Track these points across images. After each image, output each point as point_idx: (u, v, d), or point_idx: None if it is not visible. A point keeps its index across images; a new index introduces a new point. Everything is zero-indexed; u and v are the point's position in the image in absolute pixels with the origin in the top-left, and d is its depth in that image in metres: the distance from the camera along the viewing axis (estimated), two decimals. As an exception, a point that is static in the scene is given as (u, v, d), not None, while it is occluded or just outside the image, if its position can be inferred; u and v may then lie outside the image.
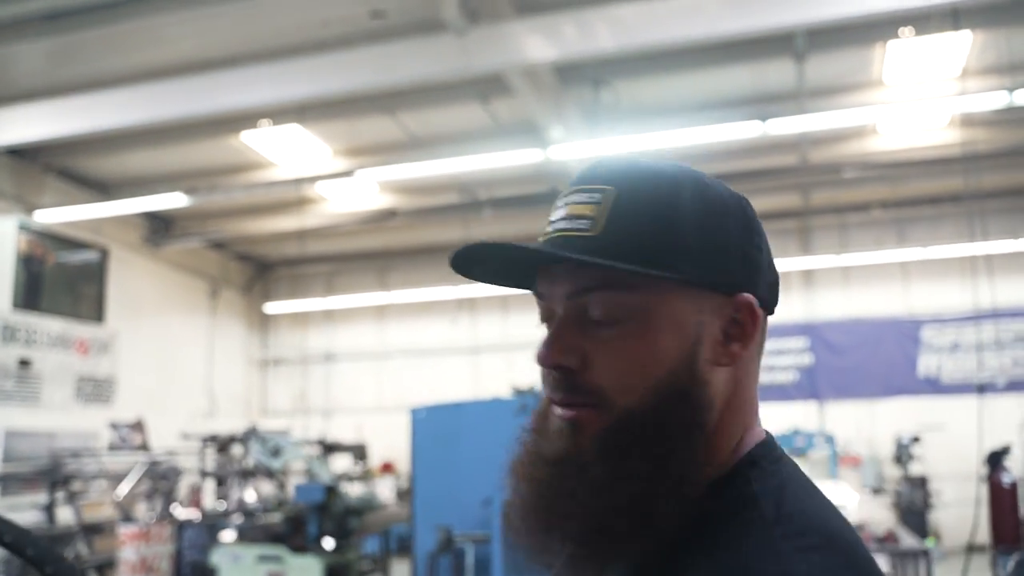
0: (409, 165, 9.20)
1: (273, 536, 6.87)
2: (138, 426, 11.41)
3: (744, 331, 0.81)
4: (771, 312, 0.86)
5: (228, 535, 7.38)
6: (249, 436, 8.31)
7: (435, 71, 6.54)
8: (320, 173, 10.33)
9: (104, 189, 11.13)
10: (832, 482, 9.56)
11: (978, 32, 7.82)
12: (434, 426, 6.22)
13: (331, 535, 6.60)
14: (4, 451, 9.62)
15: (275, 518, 8.03)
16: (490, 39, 6.24)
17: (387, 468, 13.23)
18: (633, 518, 0.75)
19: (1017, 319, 11.37)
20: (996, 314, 11.40)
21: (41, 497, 9.18)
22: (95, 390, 10.96)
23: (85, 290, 11.23)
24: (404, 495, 12.17)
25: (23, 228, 10.18)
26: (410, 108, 8.95)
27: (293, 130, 9.61)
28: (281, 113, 9.15)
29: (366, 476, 11.19)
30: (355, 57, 6.89)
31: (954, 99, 8.39)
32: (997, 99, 7.96)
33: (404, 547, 9.45)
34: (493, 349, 13.66)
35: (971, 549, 6.41)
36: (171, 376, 12.65)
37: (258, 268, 15.05)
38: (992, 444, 11.38)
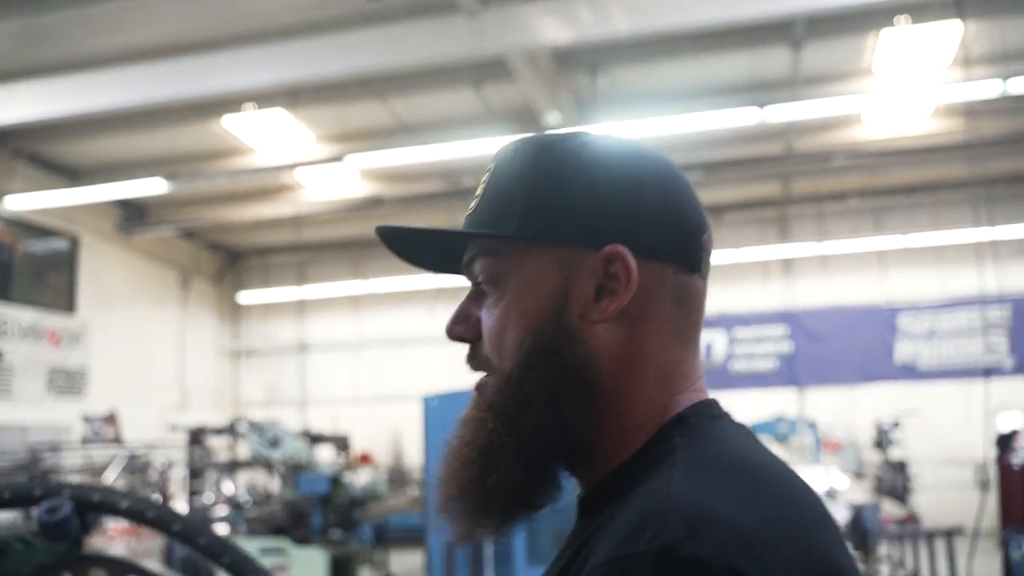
0: (399, 151, 9.05)
1: (274, 528, 6.70)
2: (111, 419, 11.10)
3: (619, 284, 0.78)
4: (694, 269, 0.83)
5: (221, 528, 7.19)
6: (235, 426, 8.10)
7: (445, 53, 6.41)
8: (304, 159, 10.11)
9: (75, 175, 10.75)
10: (817, 467, 9.63)
11: (971, 21, 7.90)
12: (446, 414, 6.09)
13: (335, 526, 6.45)
14: (-24, 446, 9.29)
15: (264, 510, 7.86)
16: (503, 21, 6.13)
17: (365, 459, 13.05)
18: (510, 477, 0.77)
19: (991, 306, 11.59)
20: (974, 301, 11.62)
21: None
22: (67, 382, 10.64)
23: (55, 279, 10.88)
24: (395, 484, 12.06)
25: (-7, 215, 9.82)
26: (401, 93, 8.79)
27: (277, 115, 9.37)
28: (267, 97, 8.91)
29: (349, 467, 11.02)
30: (360, 39, 6.72)
31: (945, 88, 8.50)
32: (990, 88, 8.09)
33: (394, 537, 9.34)
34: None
35: (977, 534, 6.49)
36: (143, 368, 12.32)
37: (229, 257, 14.72)
38: (972, 429, 11.63)
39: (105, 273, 11.56)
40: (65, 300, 10.86)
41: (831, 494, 8.03)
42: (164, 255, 12.99)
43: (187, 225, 12.07)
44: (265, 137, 9.94)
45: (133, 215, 11.81)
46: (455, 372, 13.75)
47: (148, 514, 1.63)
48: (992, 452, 11.30)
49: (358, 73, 7.51)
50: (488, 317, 0.82)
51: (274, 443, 6.98)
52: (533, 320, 0.79)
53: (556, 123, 8.29)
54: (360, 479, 11.98)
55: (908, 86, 8.72)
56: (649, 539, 0.62)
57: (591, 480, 0.81)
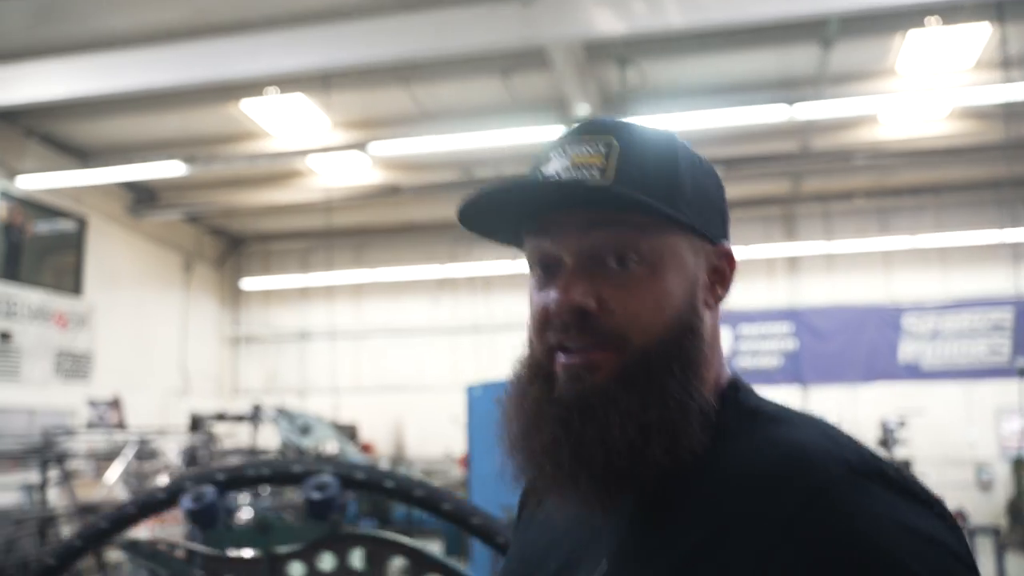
0: (421, 139, 8.99)
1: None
2: (115, 404, 10.98)
3: (724, 276, 0.91)
4: None
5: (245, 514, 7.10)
6: (257, 413, 8.03)
7: (496, 40, 6.36)
8: (320, 145, 10.02)
9: (85, 156, 10.58)
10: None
11: (997, 24, 7.97)
12: (490, 403, 6.07)
13: (369, 516, 6.41)
14: (-14, 428, 9.14)
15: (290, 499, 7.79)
16: (557, 10, 6.10)
17: (367, 449, 12.99)
18: (664, 436, 0.81)
19: (992, 308, 11.74)
20: (975, 303, 11.77)
21: (26, 477, 8.75)
22: (74, 366, 10.50)
23: (63, 261, 10.72)
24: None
25: (3, 195, 9.64)
26: (426, 80, 8.73)
27: (296, 99, 9.28)
28: (291, 81, 8.81)
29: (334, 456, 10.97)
30: (397, 25, 6.65)
31: (966, 90, 8.58)
32: (1015, 91, 8.18)
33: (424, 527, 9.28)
34: (476, 330, 13.51)
35: (997, 532, 6.60)
36: (145, 352, 12.17)
37: (230, 243, 14.57)
38: (976, 430, 11.80)
39: (111, 255, 11.41)
40: (72, 282, 10.70)
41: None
42: (168, 238, 12.84)
43: (198, 209, 11.93)
44: (282, 122, 9.84)
45: (143, 197, 11.65)
46: (457, 363, 13.76)
47: (416, 493, 1.61)
48: (995, 452, 11.51)
49: (392, 60, 7.44)
50: (626, 294, 0.84)
51: (304, 430, 6.92)
52: (679, 299, 0.86)
53: (585, 115, 8.27)
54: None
55: (930, 87, 8.80)
56: (836, 463, 0.75)
57: None
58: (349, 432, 10.81)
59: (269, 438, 10.07)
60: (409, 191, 10.67)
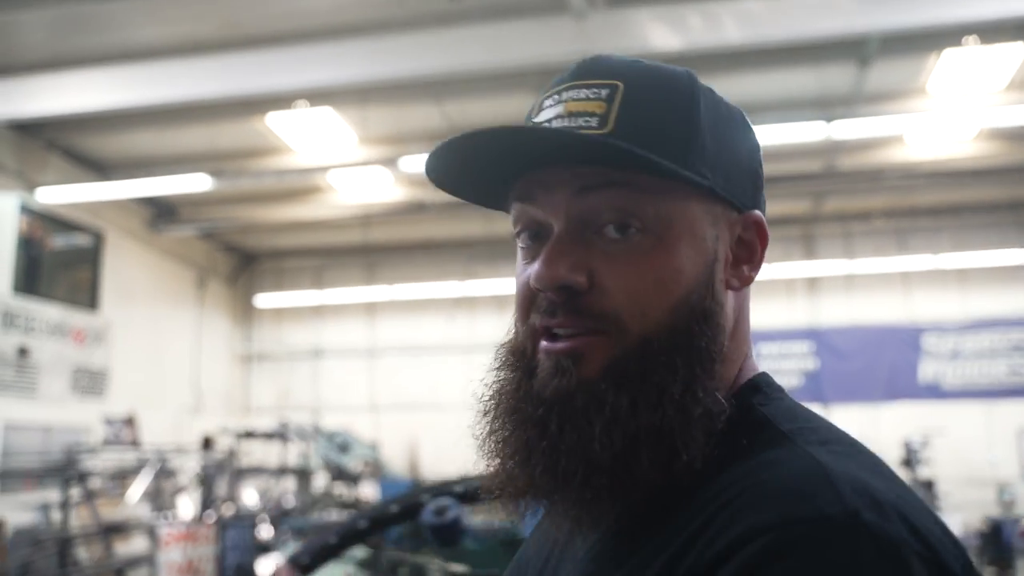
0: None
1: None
2: (130, 422, 10.81)
3: (753, 252, 0.76)
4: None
5: (282, 535, 6.98)
6: (284, 430, 7.89)
7: (548, 54, 6.29)
8: (344, 161, 9.93)
9: (104, 169, 10.45)
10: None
11: (1033, 45, 7.99)
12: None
13: (411, 537, 6.27)
14: (4, 446, 8.96)
15: (315, 517, 7.66)
16: (612, 25, 6.05)
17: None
18: (658, 448, 0.67)
19: (1012, 328, 11.76)
20: (995, 323, 11.78)
21: (45, 495, 8.57)
22: (90, 382, 10.33)
23: (80, 276, 10.56)
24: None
25: (24, 209, 9.49)
26: (459, 96, 8.67)
27: (324, 114, 9.19)
28: (320, 95, 8.73)
29: (375, 474, 10.83)
30: (453, 37, 6.57)
31: (997, 111, 8.58)
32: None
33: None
34: (492, 349, 13.35)
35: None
36: (160, 369, 12.00)
37: (243, 259, 14.42)
38: (999, 450, 11.76)
39: (127, 271, 11.25)
40: (88, 297, 10.54)
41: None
42: (183, 254, 12.69)
43: (218, 225, 11.78)
44: (306, 137, 9.74)
45: (164, 212, 11.50)
46: (472, 382, 13.58)
47: None
48: (1017, 472, 11.47)
49: (432, 75, 7.37)
50: (623, 268, 0.70)
51: (343, 448, 6.80)
52: (691, 279, 0.71)
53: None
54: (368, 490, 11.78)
55: (960, 108, 8.80)
56: (825, 504, 0.57)
57: None
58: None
59: (292, 456, 9.94)
60: (434, 208, 10.58)
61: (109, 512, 8.56)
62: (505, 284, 12.88)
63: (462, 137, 0.72)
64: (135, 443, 10.62)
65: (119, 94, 8.34)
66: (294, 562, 1.66)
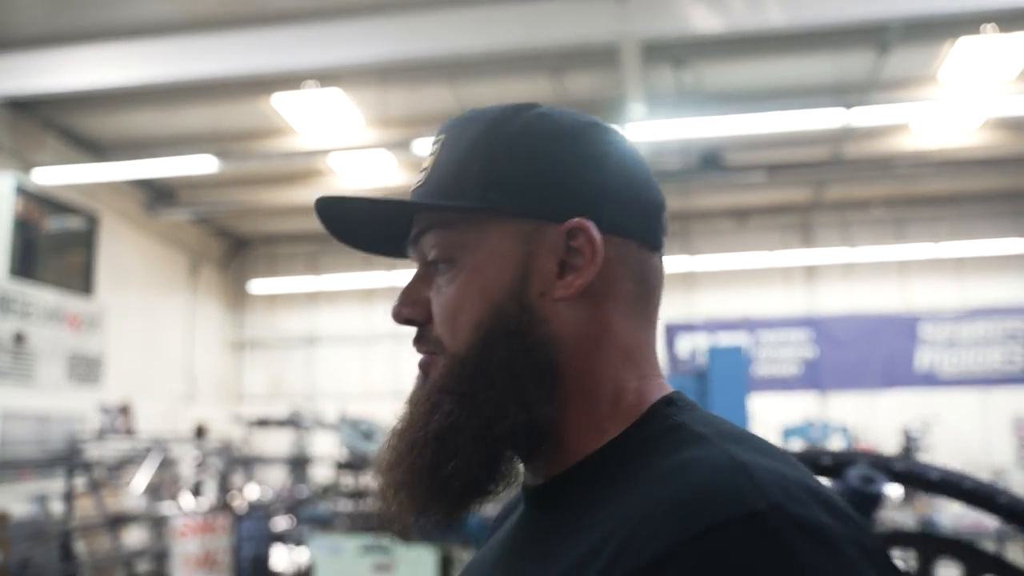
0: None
1: (369, 526, 6.39)
2: (125, 410, 10.59)
3: (584, 259, 0.76)
4: (656, 247, 0.80)
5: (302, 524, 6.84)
6: (296, 418, 7.74)
7: (588, 34, 6.17)
8: (350, 144, 9.75)
9: (101, 150, 10.17)
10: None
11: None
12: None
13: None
14: (2, 435, 8.72)
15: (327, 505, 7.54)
16: (653, 7, 5.95)
17: (377, 457, 12.71)
18: (468, 462, 0.73)
19: (1007, 317, 11.88)
20: (991, 312, 11.90)
21: (44, 486, 8.34)
22: (86, 370, 10.08)
23: (75, 259, 10.28)
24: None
25: (20, 190, 9.21)
26: (472, 78, 8.53)
27: (332, 95, 9.00)
28: (330, 76, 8.54)
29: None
30: (500, 14, 6.38)
31: (1007, 100, 8.62)
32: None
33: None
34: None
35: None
36: (153, 356, 11.75)
37: (235, 244, 14.16)
38: (994, 437, 11.91)
39: (121, 255, 10.99)
40: (83, 281, 10.27)
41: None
42: (176, 238, 12.42)
43: (217, 208, 11.53)
44: (311, 118, 9.54)
45: (161, 195, 11.23)
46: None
47: (965, 484, 1.43)
48: (1012, 459, 11.63)
49: (446, 56, 7.22)
50: (442, 295, 0.78)
51: (368, 435, 6.67)
52: (493, 297, 0.75)
53: (639, 116, 8.14)
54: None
55: (970, 96, 8.83)
56: (748, 501, 0.58)
57: (554, 466, 0.76)
58: (370, 439, 10.51)
59: (285, 445, 9.77)
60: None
61: (112, 503, 8.36)
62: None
63: (319, 204, 0.80)
64: (130, 432, 10.41)
65: (119, 72, 8.08)
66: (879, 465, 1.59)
